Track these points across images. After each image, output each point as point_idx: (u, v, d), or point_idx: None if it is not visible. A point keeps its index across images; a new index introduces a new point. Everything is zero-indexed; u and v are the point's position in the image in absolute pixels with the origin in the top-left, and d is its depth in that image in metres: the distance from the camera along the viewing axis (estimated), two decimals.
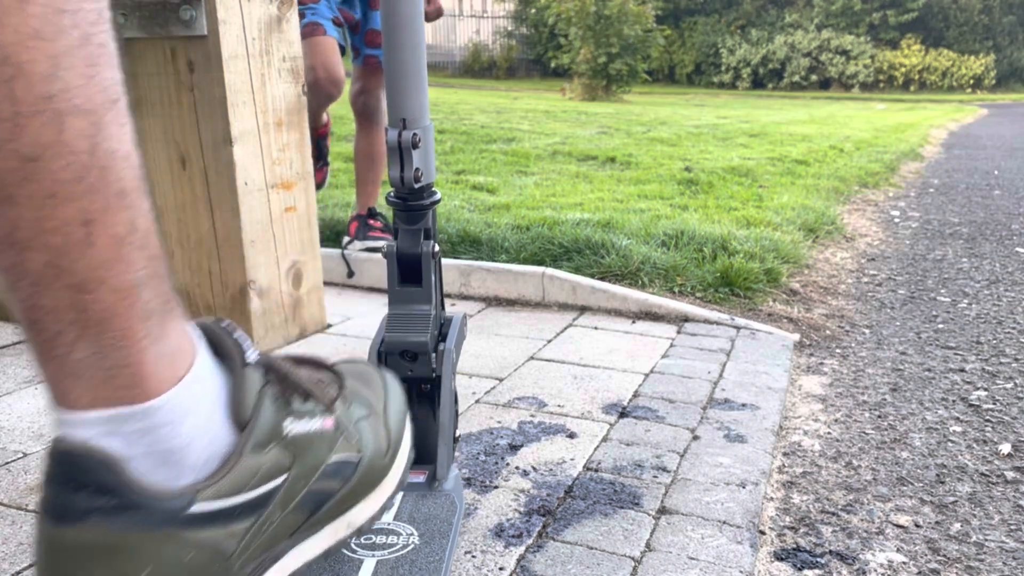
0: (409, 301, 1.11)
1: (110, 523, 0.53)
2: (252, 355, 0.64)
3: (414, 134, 1.06)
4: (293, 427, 0.65)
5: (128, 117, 0.53)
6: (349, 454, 0.73)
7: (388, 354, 1.10)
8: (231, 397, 0.61)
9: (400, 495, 1.02)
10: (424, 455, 1.12)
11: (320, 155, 2.79)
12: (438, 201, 1.13)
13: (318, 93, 2.36)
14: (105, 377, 0.53)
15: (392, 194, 1.12)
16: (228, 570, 0.59)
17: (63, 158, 0.48)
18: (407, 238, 1.10)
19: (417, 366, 1.10)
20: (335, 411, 0.72)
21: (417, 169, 1.07)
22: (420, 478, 1.07)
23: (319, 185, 2.83)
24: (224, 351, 0.62)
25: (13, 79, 0.46)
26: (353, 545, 0.94)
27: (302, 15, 2.33)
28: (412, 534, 0.96)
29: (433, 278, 1.11)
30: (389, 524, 0.97)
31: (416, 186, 1.08)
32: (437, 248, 1.12)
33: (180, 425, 0.56)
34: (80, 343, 0.52)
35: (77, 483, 0.53)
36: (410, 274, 1.11)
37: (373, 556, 0.92)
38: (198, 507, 0.56)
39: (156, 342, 0.54)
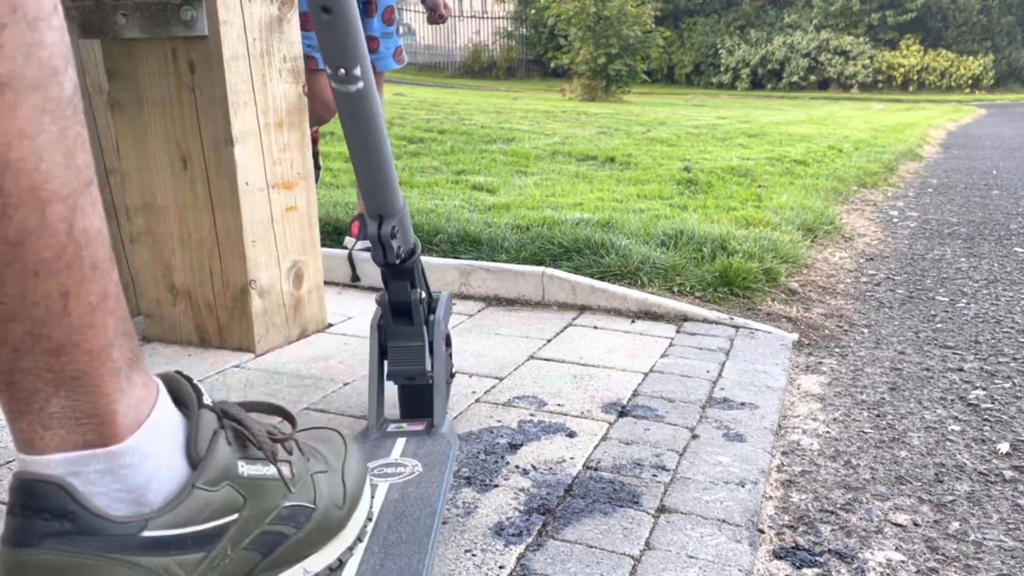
0: (404, 337, 1.31)
1: (67, 546, 0.57)
2: (208, 400, 0.69)
3: (392, 227, 1.19)
4: (247, 469, 0.69)
5: (98, 195, 0.58)
6: (304, 503, 0.77)
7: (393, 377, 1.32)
8: (188, 437, 0.65)
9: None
10: (423, 411, 1.34)
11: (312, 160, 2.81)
12: (419, 254, 1.28)
13: (311, 118, 2.43)
14: (74, 426, 0.57)
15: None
16: None
17: (45, 240, 0.53)
18: (396, 289, 1.27)
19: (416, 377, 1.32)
20: (287, 459, 0.76)
21: (399, 247, 1.21)
22: (420, 427, 1.28)
23: None
24: (183, 397, 0.67)
25: (3, 174, 0.50)
26: (369, 475, 1.09)
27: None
28: (416, 464, 1.17)
29: (423, 317, 1.30)
30: (398, 459, 1.19)
31: (398, 261, 1.23)
32: (424, 295, 1.30)
33: (140, 466, 0.60)
34: (54, 399, 0.56)
35: (35, 509, 0.56)
36: (402, 316, 1.30)
37: (387, 480, 1.12)
38: (149, 533, 0.60)
39: (123, 394, 0.59)
